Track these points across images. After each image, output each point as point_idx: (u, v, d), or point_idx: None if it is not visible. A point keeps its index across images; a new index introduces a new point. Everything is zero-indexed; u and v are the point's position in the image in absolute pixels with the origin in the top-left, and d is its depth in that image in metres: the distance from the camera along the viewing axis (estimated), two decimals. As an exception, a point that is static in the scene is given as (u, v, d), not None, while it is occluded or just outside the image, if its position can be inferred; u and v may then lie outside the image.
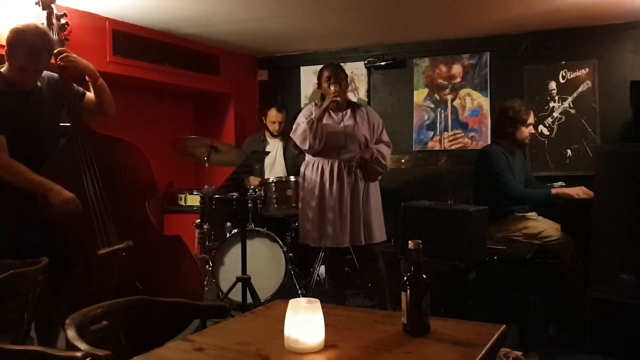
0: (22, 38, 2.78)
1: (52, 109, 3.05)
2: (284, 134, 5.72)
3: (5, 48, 2.82)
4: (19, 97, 2.91)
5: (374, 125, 4.05)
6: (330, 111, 3.98)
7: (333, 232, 3.88)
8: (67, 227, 2.92)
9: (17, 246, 2.83)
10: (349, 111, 4.03)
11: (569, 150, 5.24)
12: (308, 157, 4.07)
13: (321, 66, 4.14)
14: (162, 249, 3.09)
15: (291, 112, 6.10)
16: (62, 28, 3.12)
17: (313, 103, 4.14)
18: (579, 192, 3.93)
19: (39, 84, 2.99)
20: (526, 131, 4.10)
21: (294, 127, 4.04)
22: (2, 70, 2.90)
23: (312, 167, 4.01)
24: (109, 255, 2.87)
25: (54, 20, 3.08)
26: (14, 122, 2.87)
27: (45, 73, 3.04)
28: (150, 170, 3.11)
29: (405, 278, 1.63)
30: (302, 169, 4.12)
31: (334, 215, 3.87)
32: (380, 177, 4.09)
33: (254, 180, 5.33)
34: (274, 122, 5.60)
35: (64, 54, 3.00)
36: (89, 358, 1.39)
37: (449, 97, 5.70)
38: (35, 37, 2.79)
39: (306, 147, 3.94)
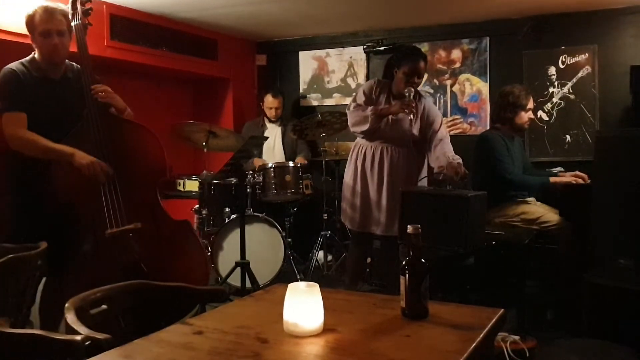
0: (35, 8, 2.95)
1: (79, 101, 3.07)
2: (282, 119, 5.72)
3: (27, 28, 2.98)
4: (49, 85, 3.01)
5: (427, 122, 3.77)
6: (391, 96, 3.79)
7: (368, 216, 3.83)
8: (77, 205, 2.96)
9: (26, 225, 2.88)
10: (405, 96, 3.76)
11: (568, 136, 5.23)
12: (357, 139, 3.96)
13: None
14: (169, 233, 3.12)
15: (289, 97, 6.10)
16: (85, 13, 3.15)
17: (375, 80, 3.91)
18: (574, 179, 3.97)
19: (70, 75, 3.09)
20: (525, 116, 4.10)
21: (351, 105, 3.83)
22: (35, 56, 3.01)
23: (357, 150, 3.92)
24: (117, 235, 2.90)
25: (79, 5, 3.13)
26: (44, 110, 2.96)
27: (76, 65, 3.14)
28: (163, 155, 3.13)
29: (404, 262, 1.63)
30: (350, 152, 4.01)
31: (371, 199, 3.82)
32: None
33: (258, 162, 5.33)
34: (271, 108, 5.59)
35: (103, 88, 3.06)
36: (89, 342, 1.39)
37: (448, 82, 5.69)
38: (46, 4, 2.98)
39: (358, 131, 3.80)
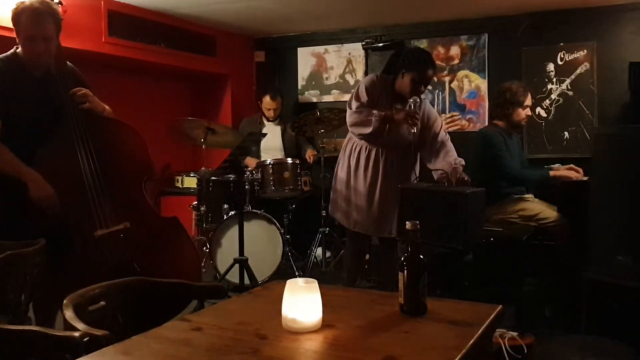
0: (23, 7, 2.80)
1: (62, 99, 2.99)
2: (281, 117, 5.71)
3: (13, 25, 2.82)
4: (30, 83, 2.90)
5: (427, 125, 3.68)
6: (393, 95, 3.66)
7: (360, 217, 3.74)
8: (64, 209, 2.92)
9: (15, 227, 2.83)
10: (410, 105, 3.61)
11: (566, 133, 5.23)
12: (349, 134, 3.81)
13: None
14: (159, 231, 3.09)
15: (288, 94, 6.09)
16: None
17: (377, 75, 3.73)
18: (573, 173, 3.98)
19: (54, 73, 2.96)
20: (522, 113, 4.10)
21: (353, 104, 3.62)
22: (18, 50, 2.89)
23: (350, 147, 3.80)
24: (106, 236, 2.87)
25: None
26: (23, 109, 2.86)
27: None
28: (147, 152, 3.09)
29: (402, 259, 1.63)
30: (344, 144, 3.89)
31: (363, 201, 3.71)
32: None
33: (250, 162, 5.32)
34: (269, 109, 5.58)
35: (83, 92, 2.97)
36: (87, 338, 1.39)
37: (447, 78, 5.68)
38: (36, 4, 2.80)
39: (357, 133, 3.64)
